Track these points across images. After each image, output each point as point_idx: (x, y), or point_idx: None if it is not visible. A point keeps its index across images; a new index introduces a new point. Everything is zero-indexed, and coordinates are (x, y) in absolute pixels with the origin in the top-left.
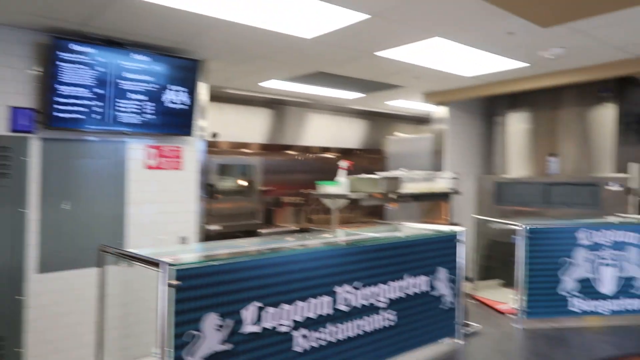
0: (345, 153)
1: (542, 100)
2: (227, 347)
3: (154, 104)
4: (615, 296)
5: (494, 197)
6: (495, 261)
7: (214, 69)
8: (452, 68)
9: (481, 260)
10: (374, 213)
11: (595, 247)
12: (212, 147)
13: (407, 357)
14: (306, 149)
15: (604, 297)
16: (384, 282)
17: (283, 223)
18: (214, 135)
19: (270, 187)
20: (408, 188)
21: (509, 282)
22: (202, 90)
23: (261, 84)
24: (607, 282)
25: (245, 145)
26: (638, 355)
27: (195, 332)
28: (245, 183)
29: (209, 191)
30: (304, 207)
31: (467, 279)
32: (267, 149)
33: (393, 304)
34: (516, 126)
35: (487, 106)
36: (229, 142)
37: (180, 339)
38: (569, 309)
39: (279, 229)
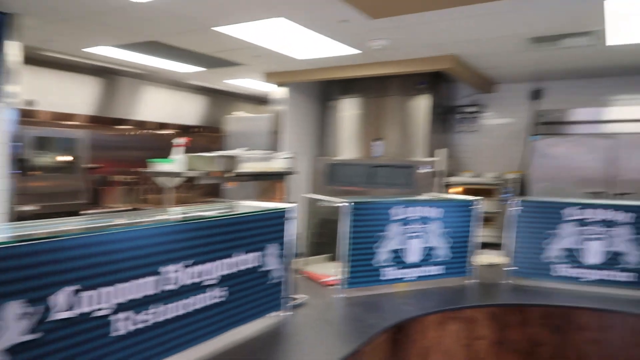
0: (183, 130)
1: (371, 88)
2: (34, 336)
3: None
4: (420, 264)
5: (326, 177)
6: (325, 237)
7: (29, 26)
8: (289, 50)
9: (312, 237)
10: (212, 192)
11: (405, 221)
12: (27, 116)
13: (237, 331)
14: (141, 124)
15: (411, 265)
16: (214, 260)
17: (112, 203)
18: (29, 103)
19: (98, 164)
20: (246, 167)
21: (336, 257)
22: (13, 50)
23: (86, 49)
24: (414, 252)
25: (68, 116)
26: (434, 313)
27: None
28: (68, 159)
29: (22, 167)
30: (136, 186)
31: (298, 254)
32: (95, 121)
33: (223, 280)
34: (348, 111)
35: (323, 90)
36: (49, 112)
37: None
38: (383, 278)
39: (106, 209)
